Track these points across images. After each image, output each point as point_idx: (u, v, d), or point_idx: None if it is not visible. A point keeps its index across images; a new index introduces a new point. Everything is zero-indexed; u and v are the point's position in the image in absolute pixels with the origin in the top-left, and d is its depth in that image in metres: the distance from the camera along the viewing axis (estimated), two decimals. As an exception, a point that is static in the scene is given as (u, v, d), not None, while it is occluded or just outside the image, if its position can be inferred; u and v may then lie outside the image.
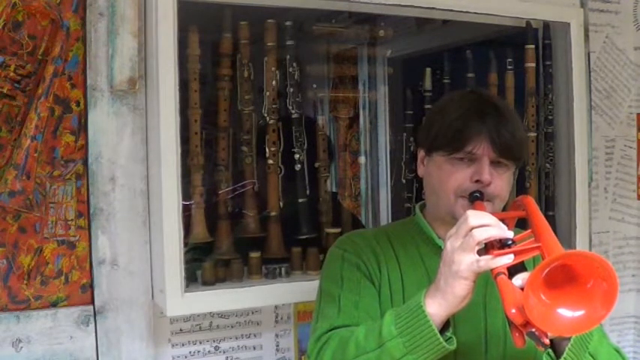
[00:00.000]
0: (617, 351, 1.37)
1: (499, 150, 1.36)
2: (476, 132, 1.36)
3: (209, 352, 1.88)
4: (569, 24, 2.19)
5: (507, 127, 1.38)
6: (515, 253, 1.13)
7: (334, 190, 2.20)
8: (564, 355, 1.19)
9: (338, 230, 2.03)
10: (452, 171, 1.39)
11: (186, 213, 1.78)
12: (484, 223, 1.17)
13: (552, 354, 1.21)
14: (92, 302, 1.69)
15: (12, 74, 1.61)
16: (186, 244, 1.73)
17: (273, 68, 1.94)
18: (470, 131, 1.37)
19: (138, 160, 1.73)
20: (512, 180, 1.46)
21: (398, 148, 2.19)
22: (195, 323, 1.86)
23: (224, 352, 1.90)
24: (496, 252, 1.14)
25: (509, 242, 1.15)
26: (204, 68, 1.88)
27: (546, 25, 2.21)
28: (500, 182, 1.39)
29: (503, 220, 1.22)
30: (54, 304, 1.66)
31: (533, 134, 2.20)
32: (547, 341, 1.08)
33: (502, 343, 1.38)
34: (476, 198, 1.36)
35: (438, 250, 1.36)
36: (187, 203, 1.79)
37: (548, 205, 2.22)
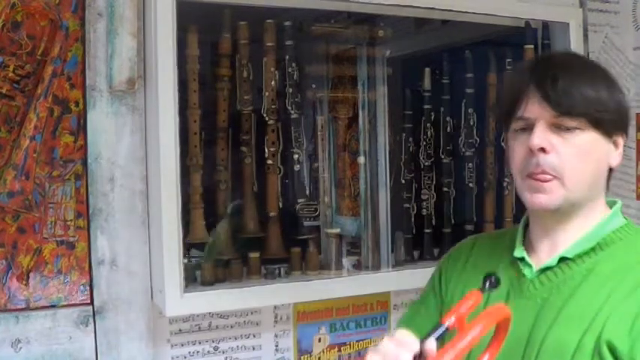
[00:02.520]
0: None
1: (556, 106, 1.09)
2: (526, 91, 1.12)
3: (208, 352, 1.88)
4: (568, 24, 2.19)
5: (567, 78, 1.10)
6: None
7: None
8: None
9: (337, 230, 2.03)
10: (514, 146, 1.16)
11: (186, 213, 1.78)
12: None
13: None
14: (91, 302, 1.69)
15: (11, 74, 1.61)
16: (185, 244, 1.73)
17: (272, 68, 1.94)
18: (520, 93, 1.13)
19: (137, 160, 1.73)
20: (603, 148, 1.16)
21: (397, 148, 2.19)
22: (194, 323, 1.86)
23: (223, 353, 1.90)
24: None
25: None
26: (204, 68, 1.87)
27: (545, 25, 2.21)
28: (568, 149, 1.10)
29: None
30: (53, 305, 1.66)
31: (532, 134, 2.20)
32: None
33: None
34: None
35: (514, 260, 1.21)
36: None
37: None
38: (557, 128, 1.11)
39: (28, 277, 1.64)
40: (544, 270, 1.17)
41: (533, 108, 1.11)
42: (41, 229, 1.65)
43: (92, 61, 1.69)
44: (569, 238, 1.17)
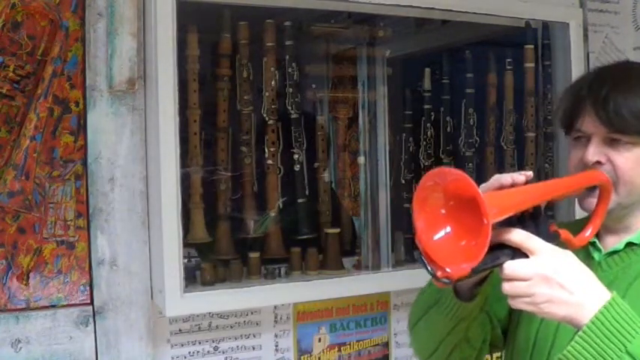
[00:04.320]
0: None
1: (608, 123, 1.18)
2: (583, 106, 1.21)
3: (208, 352, 1.88)
4: (568, 24, 2.20)
5: (618, 97, 1.18)
6: None
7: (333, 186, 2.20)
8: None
9: (337, 230, 2.03)
10: (571, 152, 1.27)
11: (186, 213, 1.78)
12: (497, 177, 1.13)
13: None
14: (91, 302, 1.69)
15: (11, 74, 1.61)
16: (185, 245, 1.73)
17: (272, 68, 1.94)
18: (575, 106, 1.23)
19: (137, 160, 1.73)
20: None
21: (397, 148, 2.19)
22: (194, 323, 1.86)
23: (223, 353, 1.90)
24: None
25: None
26: (204, 68, 1.87)
27: (545, 25, 2.21)
28: (622, 161, 1.19)
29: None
30: (53, 305, 1.66)
31: (532, 134, 2.20)
32: (439, 273, 1.00)
33: (547, 350, 1.25)
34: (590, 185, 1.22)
35: (589, 252, 1.27)
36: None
37: (547, 205, 2.21)
38: (611, 141, 1.20)
39: (28, 277, 1.64)
40: (611, 254, 1.25)
41: (589, 124, 1.21)
42: (41, 229, 1.65)
43: (92, 61, 1.69)
44: (632, 230, 1.25)
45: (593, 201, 1.22)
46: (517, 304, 1.04)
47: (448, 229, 1.02)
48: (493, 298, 1.27)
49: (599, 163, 1.21)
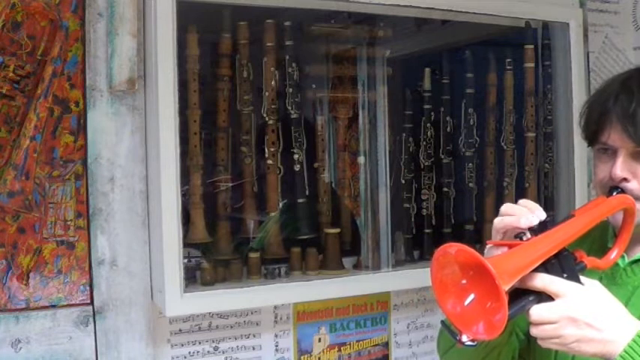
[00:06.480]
0: None
1: (636, 138, 1.16)
2: (608, 118, 1.19)
3: (208, 352, 1.88)
4: (568, 24, 2.19)
5: None
6: (501, 246, 1.10)
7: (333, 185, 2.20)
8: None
9: (337, 230, 2.03)
10: (597, 165, 1.25)
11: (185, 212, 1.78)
12: (506, 212, 1.13)
13: None
14: (91, 302, 1.69)
15: (11, 74, 1.61)
16: (185, 245, 1.73)
17: (272, 68, 1.94)
18: (600, 119, 1.21)
19: (137, 160, 1.73)
20: None
21: (397, 148, 2.19)
22: (194, 323, 1.86)
23: (223, 353, 1.90)
24: (491, 241, 1.14)
25: (521, 235, 1.09)
26: (204, 68, 1.87)
27: (545, 25, 2.21)
28: None
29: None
30: (53, 305, 1.66)
31: (532, 134, 2.20)
32: (462, 338, 1.00)
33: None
34: (611, 195, 1.21)
35: (607, 250, 1.24)
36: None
37: (547, 205, 2.22)
38: (637, 154, 1.18)
39: (28, 277, 1.64)
40: (636, 261, 1.24)
41: (615, 137, 1.19)
42: (41, 229, 1.65)
43: (92, 61, 1.69)
44: None
45: (619, 217, 1.21)
46: (546, 344, 1.05)
47: (472, 296, 1.03)
48: None
49: (625, 179, 1.19)
